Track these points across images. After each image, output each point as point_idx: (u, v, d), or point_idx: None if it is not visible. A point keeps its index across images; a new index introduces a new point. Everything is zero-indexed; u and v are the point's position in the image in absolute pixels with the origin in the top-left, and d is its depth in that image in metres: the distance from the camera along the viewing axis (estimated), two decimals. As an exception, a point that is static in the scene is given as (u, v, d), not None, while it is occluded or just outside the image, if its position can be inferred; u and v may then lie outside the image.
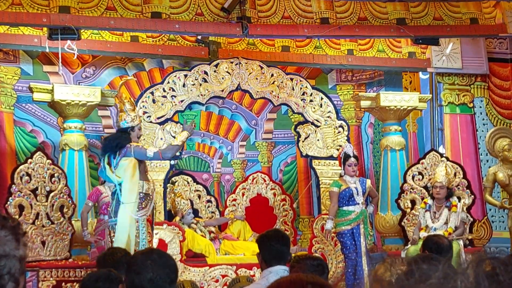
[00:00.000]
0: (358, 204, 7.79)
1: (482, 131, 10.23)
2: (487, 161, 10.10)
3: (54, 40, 8.24)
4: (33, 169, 7.83)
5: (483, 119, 10.38)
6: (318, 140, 8.92)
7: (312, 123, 8.94)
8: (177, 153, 7.12)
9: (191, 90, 8.61)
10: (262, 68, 8.84)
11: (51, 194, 7.92)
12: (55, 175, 7.99)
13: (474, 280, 1.13)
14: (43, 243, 7.82)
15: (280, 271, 3.78)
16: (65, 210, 8.02)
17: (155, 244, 7.25)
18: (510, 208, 8.91)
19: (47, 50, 8.72)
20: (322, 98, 8.98)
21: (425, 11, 9.53)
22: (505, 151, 9.01)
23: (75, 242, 8.14)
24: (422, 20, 9.48)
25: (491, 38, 10.25)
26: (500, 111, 10.34)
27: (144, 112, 8.44)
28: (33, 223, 7.77)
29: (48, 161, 8.00)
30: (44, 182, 7.89)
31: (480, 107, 10.37)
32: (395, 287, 1.13)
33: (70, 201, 8.09)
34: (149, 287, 2.53)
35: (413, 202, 8.96)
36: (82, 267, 7.59)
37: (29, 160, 7.88)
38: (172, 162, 8.41)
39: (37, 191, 7.84)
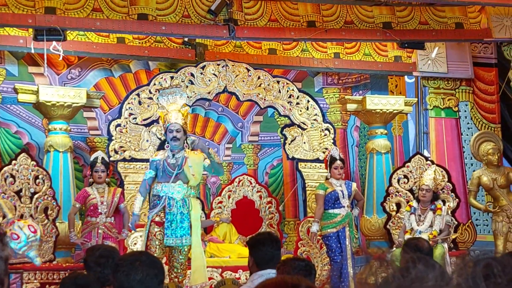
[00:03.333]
0: (344, 207, 7.80)
1: (467, 135, 10.29)
2: (472, 164, 10.17)
3: (39, 41, 8.19)
4: (17, 171, 7.77)
5: (468, 123, 10.44)
6: (304, 142, 8.94)
7: (299, 126, 8.95)
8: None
9: (177, 92, 8.58)
10: (248, 70, 8.84)
11: (35, 196, 7.86)
12: (40, 176, 7.94)
13: (471, 281, 1.13)
14: (27, 245, 7.75)
15: (268, 274, 3.77)
16: (49, 212, 7.96)
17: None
18: (494, 211, 8.97)
19: (33, 51, 8.67)
20: (308, 101, 9.00)
21: (411, 16, 9.58)
22: (489, 155, 9.07)
23: (59, 244, 8.08)
24: (408, 24, 9.54)
25: (476, 42, 10.32)
26: (484, 115, 10.41)
27: (130, 114, 8.41)
28: (17, 225, 7.70)
29: (32, 162, 7.94)
30: (29, 184, 7.84)
31: (465, 111, 10.44)
32: (391, 286, 1.13)
33: (55, 203, 8.03)
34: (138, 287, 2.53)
35: (398, 205, 8.99)
36: (66, 269, 7.54)
37: (14, 162, 7.82)
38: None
39: (21, 193, 7.77)
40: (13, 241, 5.36)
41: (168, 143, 6.64)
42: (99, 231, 7.57)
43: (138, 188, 6.89)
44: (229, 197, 9.48)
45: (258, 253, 3.88)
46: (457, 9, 9.65)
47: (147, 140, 8.42)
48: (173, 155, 6.59)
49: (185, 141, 6.68)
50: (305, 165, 8.96)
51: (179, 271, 6.57)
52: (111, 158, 8.14)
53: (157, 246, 6.49)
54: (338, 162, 7.88)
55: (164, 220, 6.52)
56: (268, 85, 8.87)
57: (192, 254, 6.64)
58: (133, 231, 7.08)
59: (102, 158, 7.81)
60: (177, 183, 6.55)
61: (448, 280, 1.14)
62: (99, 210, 7.61)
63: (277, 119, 10.58)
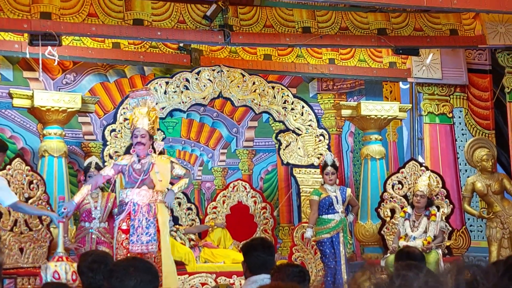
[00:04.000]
0: (338, 212, 7.81)
1: (461, 141, 10.32)
2: (466, 170, 10.18)
3: (34, 46, 8.18)
4: (12, 176, 7.75)
5: (462, 129, 10.47)
6: (299, 148, 8.96)
7: (293, 132, 8.97)
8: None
9: (172, 97, 8.60)
10: (244, 76, 8.85)
11: (30, 201, 7.84)
12: (34, 181, 7.92)
13: None
14: (21, 250, 7.74)
15: (262, 280, 3.78)
16: (43, 217, 7.95)
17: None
18: (488, 217, 8.98)
19: (28, 56, 8.66)
20: (303, 107, 9.02)
21: (406, 22, 9.61)
22: (483, 161, 9.09)
23: (53, 249, 8.04)
24: (403, 31, 9.56)
25: (470, 49, 10.36)
26: (478, 122, 10.43)
27: (125, 119, 8.40)
28: (11, 230, 7.69)
29: (27, 167, 7.92)
30: (23, 189, 7.82)
31: (459, 117, 10.46)
32: None
33: (49, 208, 8.02)
34: None
35: (392, 211, 9.00)
36: (60, 274, 7.52)
37: (8, 167, 7.80)
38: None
39: (15, 198, 7.75)
40: (51, 278, 5.41)
41: (133, 147, 6.52)
42: (93, 236, 7.56)
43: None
44: (223, 202, 9.48)
45: (251, 258, 3.89)
46: (451, 16, 9.68)
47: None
48: (139, 160, 6.45)
49: (152, 146, 6.57)
50: (300, 170, 8.96)
51: None
52: (106, 163, 8.13)
53: (124, 255, 6.26)
54: (329, 168, 7.89)
55: (130, 226, 6.37)
56: (263, 90, 8.89)
57: (162, 260, 6.52)
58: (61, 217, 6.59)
59: (96, 163, 7.80)
60: (142, 188, 6.41)
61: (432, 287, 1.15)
62: (93, 215, 7.60)
63: (272, 125, 10.59)
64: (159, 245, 6.45)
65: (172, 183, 6.94)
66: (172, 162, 6.69)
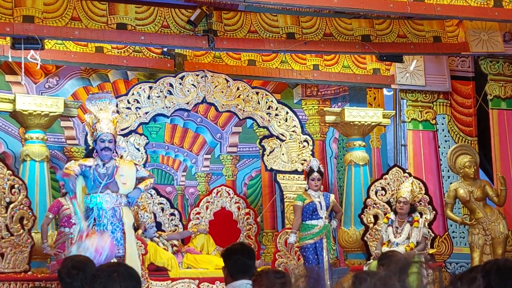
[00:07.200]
0: (321, 218, 7.81)
1: (444, 147, 10.37)
2: (449, 177, 10.23)
3: (17, 50, 8.12)
4: (-7, 180, 7.69)
5: (445, 136, 10.52)
6: (283, 154, 8.96)
7: (277, 137, 8.97)
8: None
9: (156, 102, 8.57)
10: (228, 81, 8.85)
11: (11, 206, 7.78)
12: (15, 186, 7.85)
13: None
14: (1, 255, 7.67)
15: (243, 285, 3.74)
16: (24, 222, 7.88)
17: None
18: (470, 224, 9.03)
19: (10, 60, 8.60)
20: (287, 113, 9.02)
21: (390, 29, 9.65)
22: (466, 167, 9.13)
23: (34, 254, 7.99)
24: (387, 37, 9.60)
25: (453, 56, 10.42)
26: (461, 128, 10.49)
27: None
28: (-8, 235, 7.62)
29: (8, 171, 7.86)
30: (4, 193, 7.75)
31: (442, 124, 10.52)
32: None
33: (30, 213, 7.95)
34: None
35: (376, 217, 9.02)
36: (41, 280, 7.46)
37: (-11, 171, 7.74)
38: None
39: (-4, 202, 7.69)
40: None
41: (97, 152, 6.41)
42: (73, 241, 7.49)
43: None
44: (207, 208, 9.45)
45: (231, 262, 3.85)
46: (435, 23, 9.74)
47: (124, 150, 8.37)
48: (104, 164, 6.37)
49: (114, 150, 6.48)
50: (284, 176, 8.96)
51: None
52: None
53: None
54: (315, 173, 7.89)
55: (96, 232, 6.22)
56: (247, 96, 8.88)
57: (127, 263, 6.38)
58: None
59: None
60: (105, 192, 6.33)
61: None
62: (73, 221, 7.54)
63: (256, 130, 10.59)
64: (125, 249, 6.35)
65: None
66: (135, 164, 6.65)
